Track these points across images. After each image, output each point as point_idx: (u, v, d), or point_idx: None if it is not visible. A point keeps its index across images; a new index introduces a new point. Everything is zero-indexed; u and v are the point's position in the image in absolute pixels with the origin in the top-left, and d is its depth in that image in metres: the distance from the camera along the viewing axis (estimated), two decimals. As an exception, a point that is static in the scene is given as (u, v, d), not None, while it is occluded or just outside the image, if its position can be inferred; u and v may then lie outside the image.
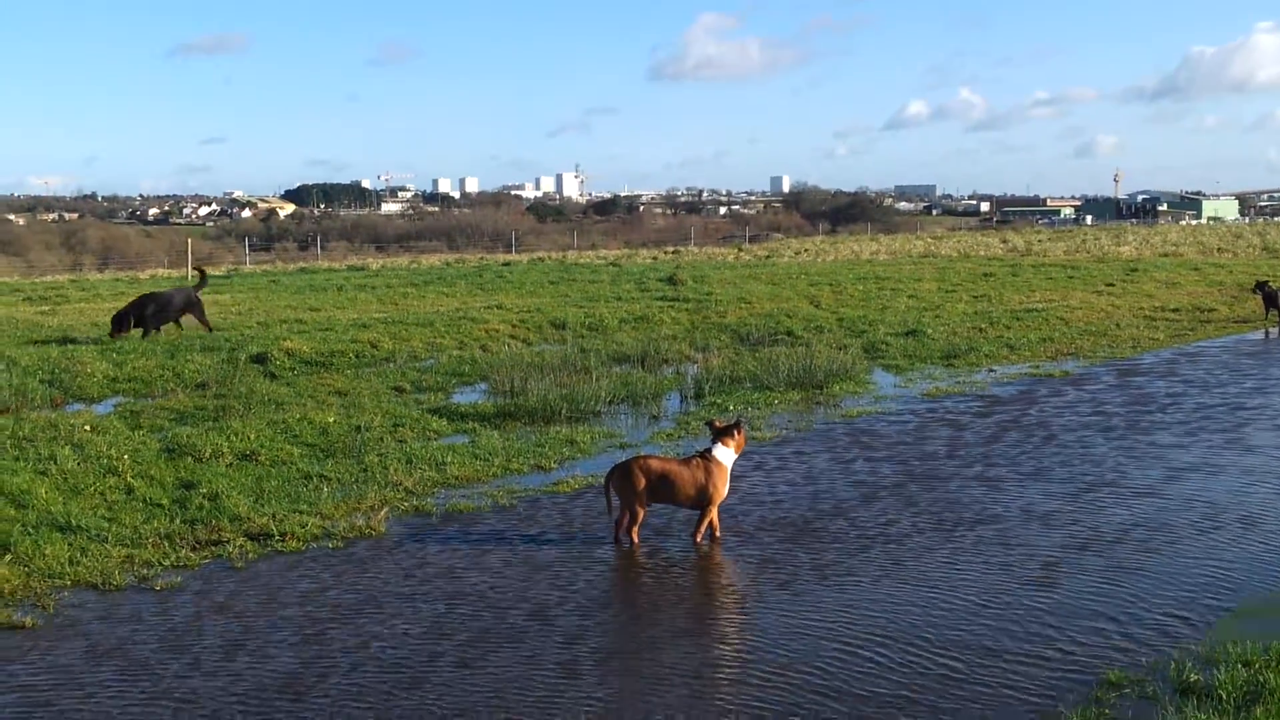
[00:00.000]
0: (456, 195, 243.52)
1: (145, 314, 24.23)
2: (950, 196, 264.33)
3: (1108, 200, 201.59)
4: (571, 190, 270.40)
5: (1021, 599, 9.06)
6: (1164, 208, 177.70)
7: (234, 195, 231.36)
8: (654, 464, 10.64)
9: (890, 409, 16.96)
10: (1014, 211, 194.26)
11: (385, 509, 11.64)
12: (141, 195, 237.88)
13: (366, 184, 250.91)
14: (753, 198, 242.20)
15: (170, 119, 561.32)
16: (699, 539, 10.58)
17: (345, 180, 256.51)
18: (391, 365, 21.16)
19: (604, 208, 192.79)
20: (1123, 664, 7.70)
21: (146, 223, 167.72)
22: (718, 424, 10.94)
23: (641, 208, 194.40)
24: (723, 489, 10.64)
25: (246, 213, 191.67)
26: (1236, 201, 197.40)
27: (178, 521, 11.16)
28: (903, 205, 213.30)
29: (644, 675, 7.79)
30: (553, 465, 13.61)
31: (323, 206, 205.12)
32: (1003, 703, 7.20)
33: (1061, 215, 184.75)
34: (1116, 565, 9.81)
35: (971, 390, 18.48)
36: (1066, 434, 15.08)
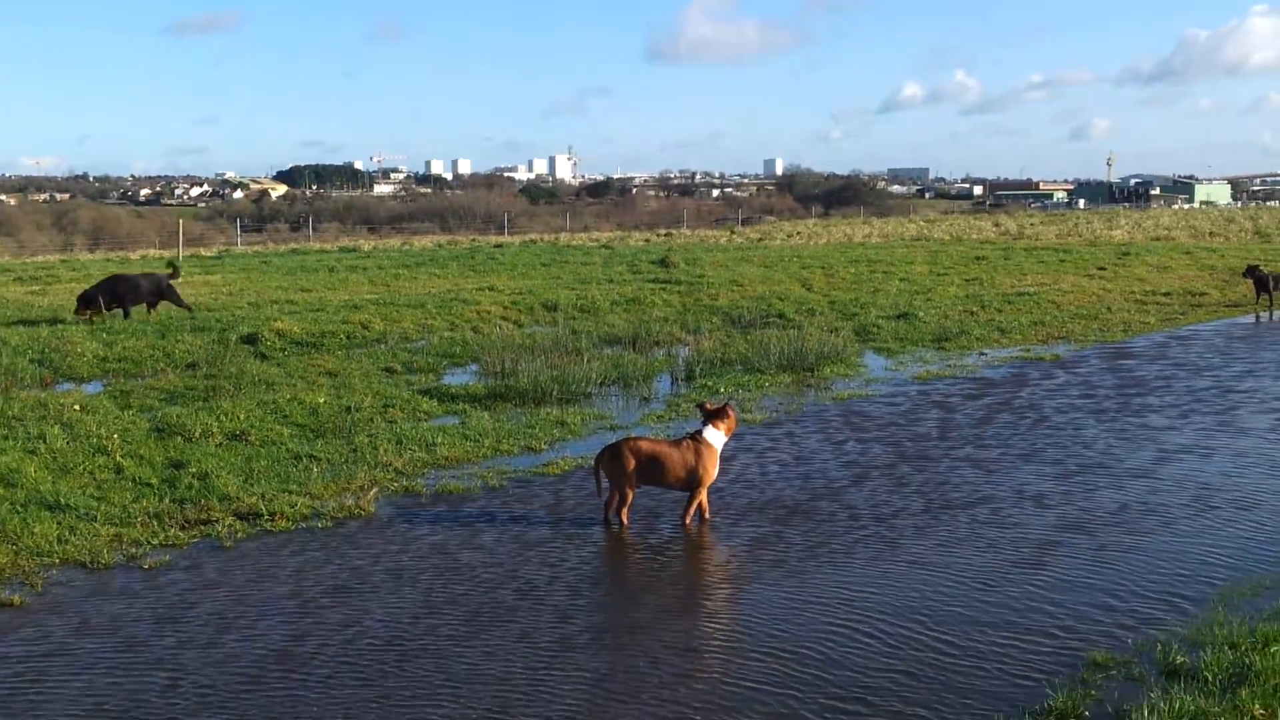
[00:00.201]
0: (449, 177, 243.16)
1: (111, 295, 24.05)
2: (943, 180, 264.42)
3: (1100, 184, 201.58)
4: (564, 172, 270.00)
5: (1012, 579, 9.08)
6: (1156, 191, 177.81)
7: (226, 176, 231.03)
8: (644, 445, 10.64)
9: (881, 391, 16.97)
10: (1007, 195, 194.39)
11: (375, 489, 11.64)
12: (133, 176, 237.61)
13: (359, 165, 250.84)
14: (746, 180, 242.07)
15: (162, 99, 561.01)
16: (688, 521, 10.59)
17: (338, 161, 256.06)
18: (382, 346, 21.13)
19: (597, 190, 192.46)
20: (1109, 645, 7.72)
21: (138, 203, 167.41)
22: (708, 406, 10.94)
23: (634, 190, 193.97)
24: (713, 471, 10.64)
25: (238, 194, 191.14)
26: (1229, 186, 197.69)
27: (167, 501, 11.16)
28: (896, 188, 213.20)
29: (637, 652, 7.82)
30: (543, 446, 13.61)
31: (315, 188, 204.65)
32: (991, 683, 7.22)
33: (1054, 199, 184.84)
34: (1106, 546, 9.84)
35: (963, 373, 18.50)
36: (1058, 416, 15.11)
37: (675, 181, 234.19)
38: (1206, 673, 7.16)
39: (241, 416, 14.43)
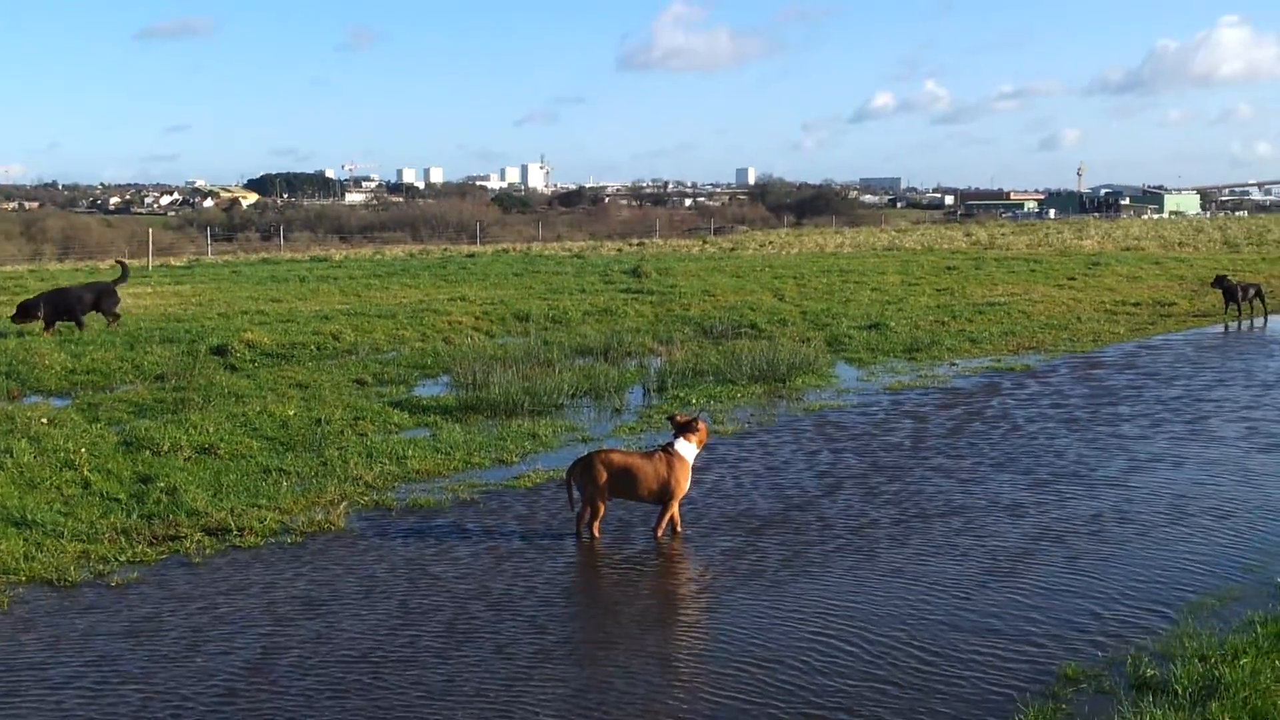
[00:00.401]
0: (421, 186, 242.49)
1: (53, 307, 23.61)
2: (915, 189, 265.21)
3: (1071, 194, 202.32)
4: (537, 181, 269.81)
5: (984, 590, 9.09)
6: (1126, 202, 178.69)
7: (196, 184, 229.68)
8: (616, 458, 10.62)
9: (853, 402, 16.99)
10: (978, 205, 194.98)
11: (345, 503, 11.57)
12: (103, 184, 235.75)
13: (330, 174, 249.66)
14: (718, 190, 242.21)
15: (133, 106, 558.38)
16: (660, 534, 10.56)
17: (309, 170, 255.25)
18: (353, 357, 21.05)
19: (569, 199, 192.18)
20: (1080, 658, 7.73)
21: (108, 212, 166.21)
22: (679, 418, 10.92)
23: (607, 199, 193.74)
24: (685, 484, 10.63)
25: (209, 202, 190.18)
26: (1198, 196, 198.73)
27: (135, 516, 11.06)
28: (867, 198, 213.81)
29: (615, 664, 7.82)
30: (514, 459, 13.56)
31: (286, 196, 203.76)
32: (962, 697, 7.21)
33: (1025, 209, 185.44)
34: (1078, 557, 9.87)
35: (934, 383, 18.54)
36: (1030, 426, 15.17)
37: (648, 191, 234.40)
38: (1176, 685, 7.17)
39: (211, 430, 14.34)
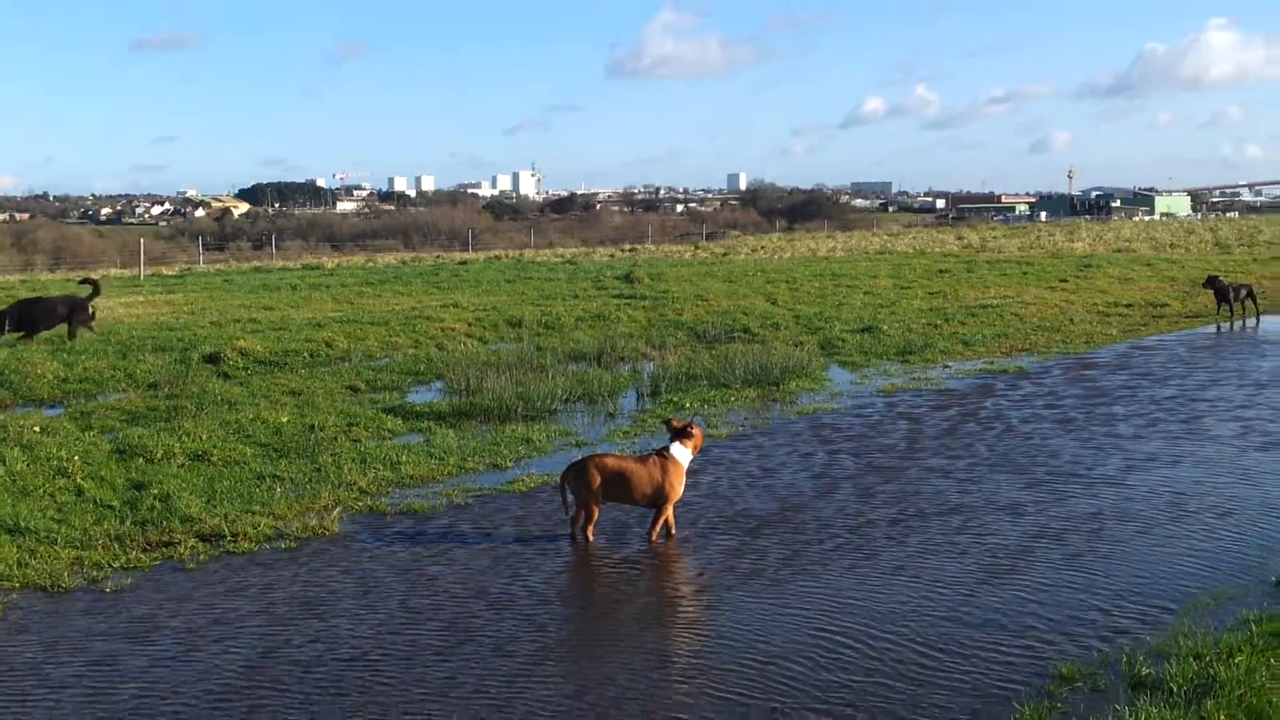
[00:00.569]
0: (413, 194, 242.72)
1: (24, 318, 23.45)
2: (906, 194, 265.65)
3: (1062, 197, 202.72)
4: (528, 188, 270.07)
5: (982, 589, 9.10)
6: (1117, 204, 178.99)
7: (188, 194, 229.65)
8: (610, 462, 10.61)
9: (847, 405, 16.99)
10: (969, 208, 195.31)
11: (339, 508, 11.55)
12: (94, 195, 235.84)
13: (321, 182, 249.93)
14: (710, 195, 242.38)
15: (124, 117, 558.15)
16: (654, 538, 10.56)
17: (300, 179, 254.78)
18: (346, 364, 21.03)
19: (561, 206, 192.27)
20: (1076, 656, 7.73)
21: (99, 222, 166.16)
22: (675, 423, 10.92)
23: (598, 206, 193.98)
24: (679, 488, 10.62)
25: (200, 212, 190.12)
26: (1189, 198, 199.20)
27: (128, 523, 11.04)
28: (859, 202, 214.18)
29: (616, 662, 7.84)
30: (509, 464, 13.55)
31: (277, 205, 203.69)
32: (957, 696, 7.21)
33: (1016, 212, 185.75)
34: (1074, 556, 9.88)
35: (928, 386, 18.55)
36: (1024, 426, 15.19)
37: (639, 197, 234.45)
38: (1171, 684, 7.17)
39: (204, 437, 14.32)
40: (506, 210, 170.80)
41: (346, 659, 7.95)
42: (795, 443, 14.49)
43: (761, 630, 8.40)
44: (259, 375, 19.55)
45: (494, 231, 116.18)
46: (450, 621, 8.64)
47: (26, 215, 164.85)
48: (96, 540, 10.52)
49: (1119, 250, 53.91)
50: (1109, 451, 13.78)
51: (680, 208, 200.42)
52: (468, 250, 73.39)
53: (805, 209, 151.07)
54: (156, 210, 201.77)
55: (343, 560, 10.09)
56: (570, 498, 10.62)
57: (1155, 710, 6.78)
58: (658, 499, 10.53)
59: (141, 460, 13.29)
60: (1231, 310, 27.81)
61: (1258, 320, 27.78)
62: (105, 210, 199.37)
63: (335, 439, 14.59)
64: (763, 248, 63.35)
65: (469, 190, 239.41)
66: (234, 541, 10.53)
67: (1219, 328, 26.67)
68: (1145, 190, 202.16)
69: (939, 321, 26.32)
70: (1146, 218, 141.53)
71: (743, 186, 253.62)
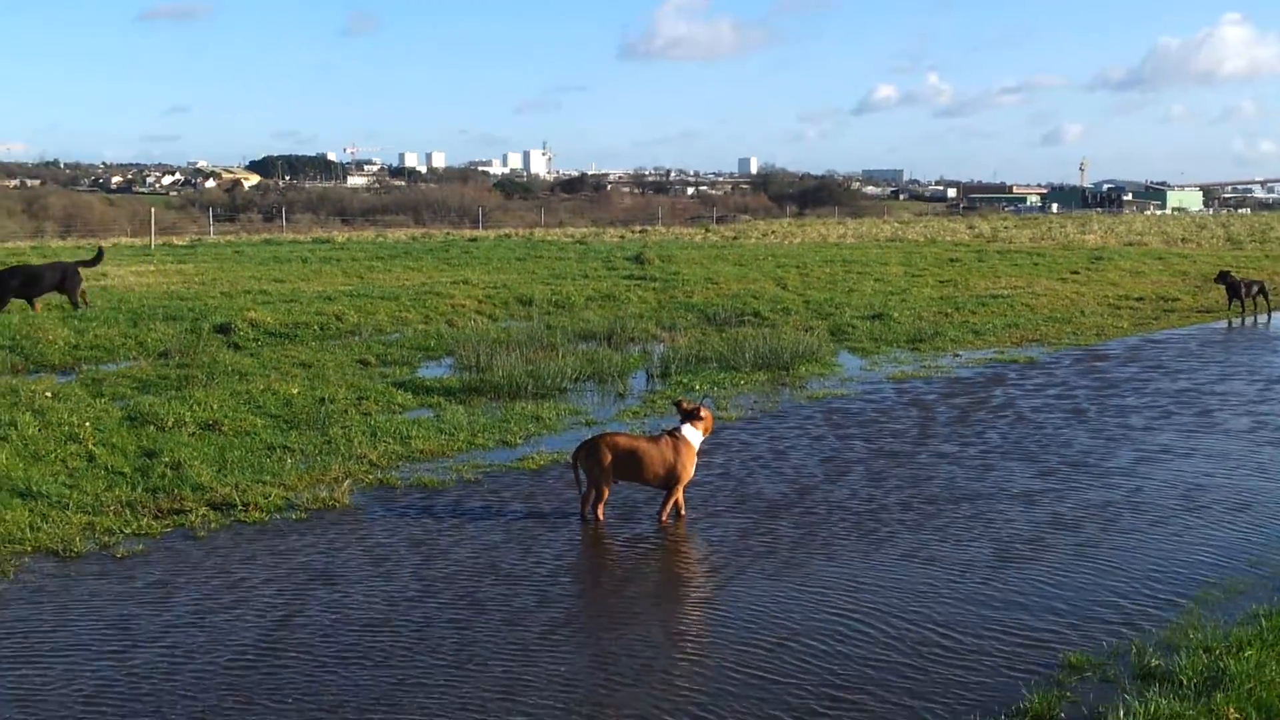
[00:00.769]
0: (423, 170, 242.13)
1: (11, 286, 23.23)
2: (917, 182, 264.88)
3: (1073, 189, 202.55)
4: (539, 167, 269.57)
5: (993, 576, 9.09)
6: (1129, 197, 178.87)
7: (198, 165, 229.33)
8: (621, 441, 10.61)
9: (857, 390, 16.98)
10: (981, 198, 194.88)
11: (349, 481, 11.57)
12: (105, 163, 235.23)
13: (332, 156, 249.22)
14: (720, 179, 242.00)
15: (135, 86, 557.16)
16: (664, 518, 10.57)
17: (311, 152, 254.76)
18: (357, 338, 21.05)
19: (571, 186, 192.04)
20: (1085, 646, 7.72)
21: (110, 191, 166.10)
22: (685, 405, 10.92)
23: (609, 186, 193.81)
24: (690, 469, 10.63)
25: (211, 183, 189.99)
26: (1201, 193, 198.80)
27: (139, 490, 11.07)
28: (870, 189, 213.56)
29: (632, 637, 7.90)
30: (518, 441, 13.57)
31: (288, 178, 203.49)
32: (965, 682, 7.21)
33: (1028, 203, 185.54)
34: (1085, 545, 9.86)
35: (938, 374, 18.53)
36: (1036, 416, 15.16)
37: (650, 178, 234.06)
38: (1181, 676, 7.15)
39: (215, 406, 14.35)
40: (517, 189, 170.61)
41: (360, 627, 8.01)
42: (806, 426, 14.49)
43: (778, 609, 8.43)
44: (269, 346, 19.58)
45: (504, 210, 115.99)
46: (463, 594, 8.67)
47: (38, 181, 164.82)
48: (108, 506, 10.56)
49: (1130, 244, 53.76)
50: (1121, 442, 13.77)
51: (691, 190, 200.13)
52: (478, 228, 73.38)
53: (816, 194, 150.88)
54: (167, 180, 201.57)
55: (354, 532, 10.12)
56: (582, 476, 10.63)
57: (1164, 702, 6.77)
58: (669, 479, 10.53)
59: (152, 428, 13.33)
60: (1243, 306, 27.74)
61: (1269, 316, 27.70)
62: (116, 179, 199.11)
63: (345, 412, 14.61)
64: (773, 232, 63.28)
65: (480, 168, 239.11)
66: (245, 511, 10.56)
67: (1230, 323, 26.61)
68: (1157, 184, 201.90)
69: (949, 310, 26.29)
70: (1158, 212, 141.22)
71: (754, 170, 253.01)
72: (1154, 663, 7.38)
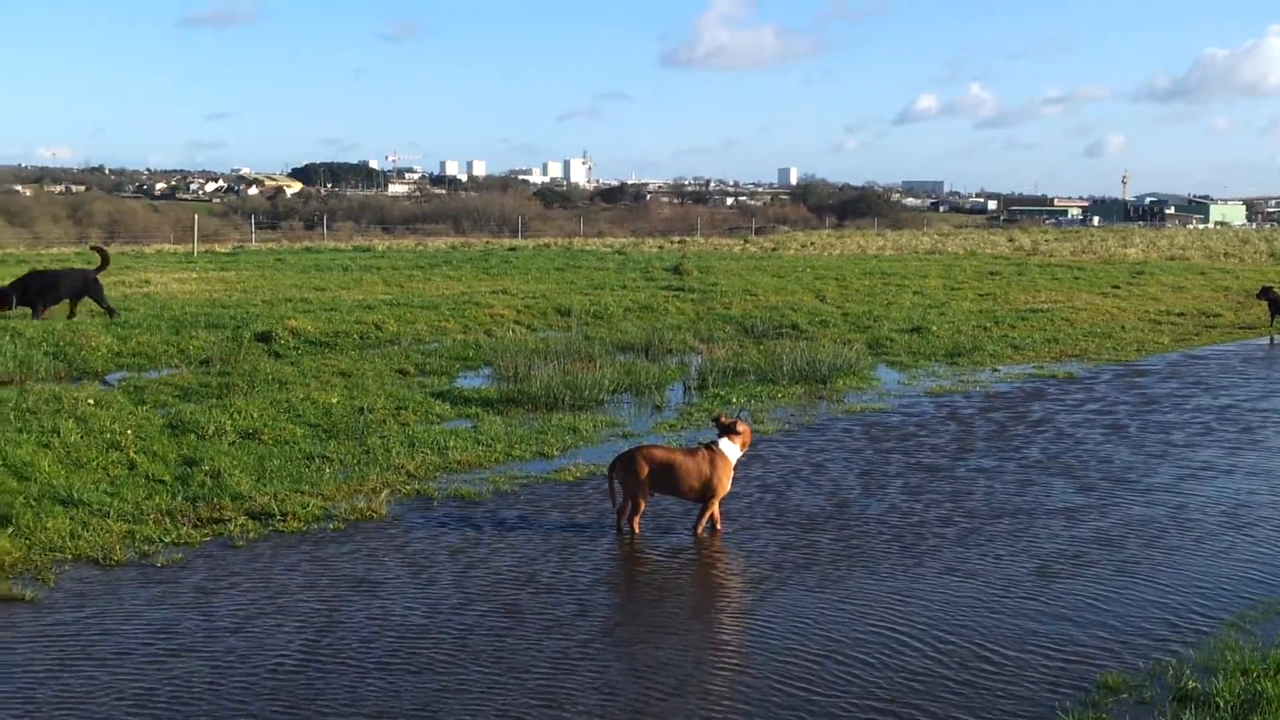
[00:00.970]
0: (464, 178, 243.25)
1: (29, 293, 23.23)
2: (958, 194, 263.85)
3: (1115, 201, 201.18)
4: (579, 177, 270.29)
5: (1032, 593, 9.09)
6: (1171, 211, 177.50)
7: (241, 172, 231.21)
8: (658, 454, 10.64)
9: (895, 404, 16.94)
10: (1021, 210, 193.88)
11: (387, 491, 11.64)
12: (149, 169, 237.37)
13: (374, 164, 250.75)
14: (760, 189, 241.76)
15: (179, 92, 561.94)
16: (700, 531, 10.58)
17: (353, 160, 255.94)
18: (396, 347, 21.15)
19: (611, 195, 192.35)
20: (1122, 667, 7.69)
21: (153, 197, 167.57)
22: (723, 419, 10.93)
23: (648, 196, 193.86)
24: (726, 483, 10.64)
25: (253, 190, 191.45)
26: (1244, 206, 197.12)
27: (179, 498, 11.17)
28: (910, 201, 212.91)
29: (674, 649, 7.96)
30: (555, 452, 13.61)
31: (330, 186, 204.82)
32: (1003, 700, 7.20)
33: (1069, 215, 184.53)
34: (1126, 563, 9.84)
35: (976, 388, 18.46)
36: (1076, 431, 15.10)
37: (689, 188, 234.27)
38: (1218, 699, 7.11)
39: (255, 415, 14.45)
40: (557, 198, 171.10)
41: (401, 636, 8.11)
42: (844, 440, 14.47)
43: (820, 621, 8.48)
44: (309, 355, 19.70)
45: (544, 219, 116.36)
46: (502, 603, 8.75)
47: (83, 187, 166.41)
48: (148, 514, 10.66)
49: (1172, 258, 53.37)
50: (1162, 459, 13.70)
51: (730, 200, 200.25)
52: (517, 237, 73.61)
53: (855, 206, 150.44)
54: (210, 187, 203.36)
55: (393, 542, 10.19)
56: (618, 488, 10.65)
57: (1200, 724, 6.74)
58: (705, 493, 10.55)
59: (193, 436, 13.43)
60: (1286, 322, 27.49)
61: (1313, 333, 27.44)
62: (160, 185, 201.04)
63: (384, 422, 14.69)
64: (812, 244, 63.20)
65: (520, 176, 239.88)
66: (283, 520, 10.64)
67: (1273, 339, 26.38)
68: (1200, 198, 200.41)
69: (989, 324, 26.17)
70: (1201, 225, 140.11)
71: (793, 181, 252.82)
72: (1191, 685, 7.34)
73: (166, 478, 11.84)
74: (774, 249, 57.87)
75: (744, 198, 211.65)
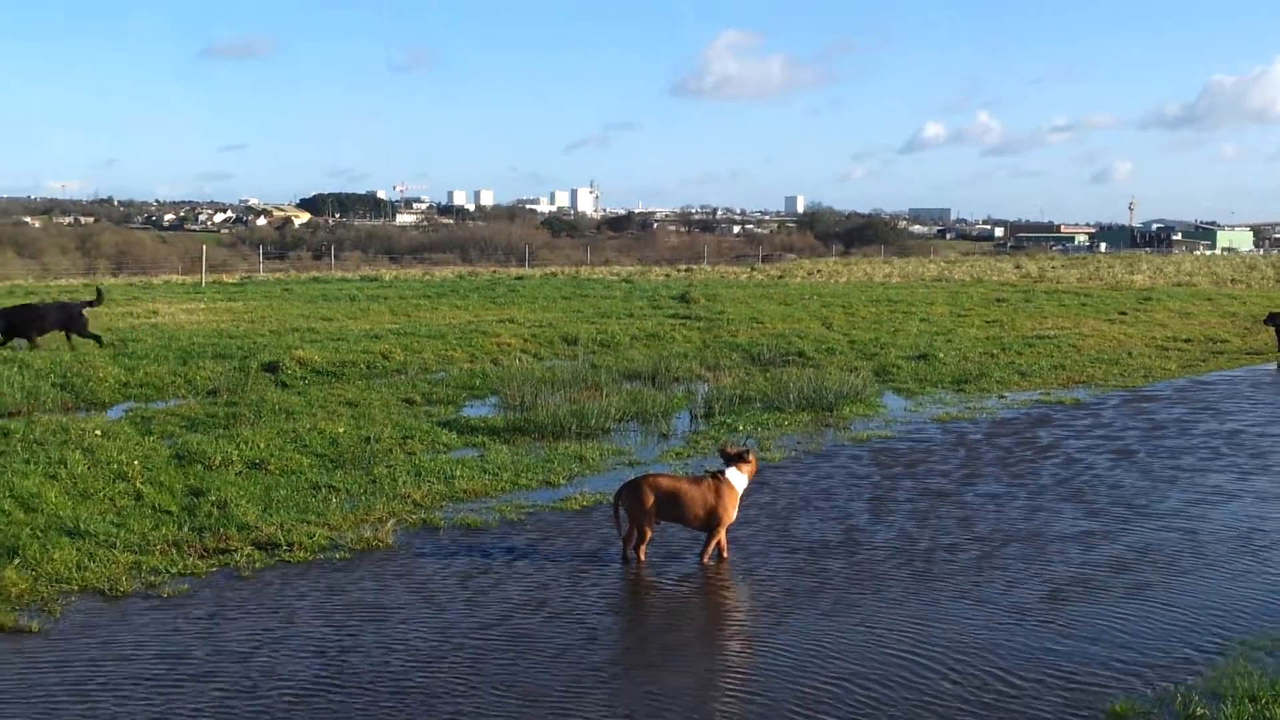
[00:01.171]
0: (471, 208, 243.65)
1: (15, 325, 23.40)
2: (964, 221, 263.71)
3: (1122, 228, 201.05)
4: (586, 205, 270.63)
5: (1043, 619, 9.07)
6: (1178, 237, 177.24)
7: (249, 203, 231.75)
8: (664, 482, 10.63)
9: (902, 431, 16.91)
10: (1028, 237, 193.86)
11: (393, 521, 11.63)
12: (158, 201, 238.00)
13: (382, 194, 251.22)
14: (767, 217, 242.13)
15: (188, 124, 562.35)
16: (706, 559, 10.56)
17: (361, 190, 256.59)
18: (403, 377, 21.17)
19: (618, 224, 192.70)
20: (1130, 693, 7.66)
21: (162, 228, 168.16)
22: (730, 449, 10.91)
23: (655, 225, 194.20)
24: (733, 511, 10.62)
25: (262, 220, 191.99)
26: (1251, 233, 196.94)
27: (186, 529, 11.17)
28: (917, 228, 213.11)
29: (682, 673, 7.97)
30: (561, 481, 13.60)
31: (338, 216, 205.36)
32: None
33: (1075, 242, 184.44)
34: (1136, 589, 9.83)
35: (983, 415, 18.43)
36: (1084, 457, 15.07)
37: (696, 217, 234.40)
38: (1226, 726, 7.10)
39: (261, 445, 14.46)
40: (564, 227, 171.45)
41: (410, 664, 8.13)
42: (852, 466, 14.45)
43: (833, 648, 8.49)
44: (316, 385, 19.73)
45: (551, 248, 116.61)
46: (511, 631, 8.76)
47: (91, 219, 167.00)
48: (154, 545, 10.65)
49: (1179, 284, 53.33)
50: (1172, 484, 13.67)
51: (737, 229, 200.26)
52: (524, 266, 73.69)
53: (862, 233, 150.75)
54: (219, 218, 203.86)
55: (401, 571, 10.18)
56: (623, 516, 10.64)
57: (1210, 752, 6.71)
58: (710, 521, 10.53)
59: (200, 466, 13.45)
60: (1294, 348, 27.42)
61: (1321, 358, 27.37)
62: (169, 216, 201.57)
63: (390, 451, 14.69)
64: (819, 271, 63.25)
65: (527, 206, 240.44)
66: (290, 551, 10.63)
67: (1279, 366, 26.34)
68: (1207, 224, 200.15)
69: (995, 351, 26.14)
70: (1208, 252, 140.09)
71: (800, 209, 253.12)
72: (1199, 712, 7.32)
73: (173, 508, 11.84)
74: (781, 277, 57.90)
75: (751, 226, 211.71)
